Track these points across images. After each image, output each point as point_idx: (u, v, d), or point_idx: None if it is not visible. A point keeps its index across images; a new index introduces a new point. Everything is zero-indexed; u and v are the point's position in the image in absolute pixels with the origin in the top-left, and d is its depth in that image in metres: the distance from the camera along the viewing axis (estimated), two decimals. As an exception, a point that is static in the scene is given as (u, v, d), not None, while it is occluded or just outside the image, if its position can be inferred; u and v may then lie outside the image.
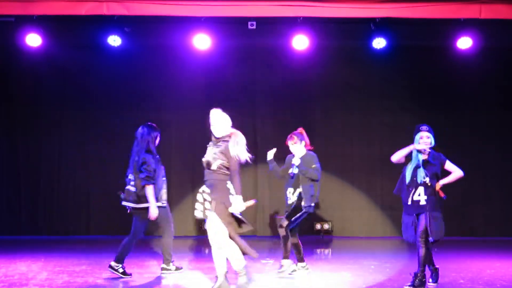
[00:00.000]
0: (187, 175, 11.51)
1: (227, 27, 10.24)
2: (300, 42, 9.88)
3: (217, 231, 6.16)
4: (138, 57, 11.24)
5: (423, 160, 6.74)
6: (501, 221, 11.26)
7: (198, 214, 6.31)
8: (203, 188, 6.28)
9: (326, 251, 10.29)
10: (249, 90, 11.52)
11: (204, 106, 11.39)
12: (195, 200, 11.99)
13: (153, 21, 9.93)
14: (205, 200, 6.26)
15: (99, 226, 11.33)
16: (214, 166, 6.17)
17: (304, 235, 11.40)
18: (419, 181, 6.70)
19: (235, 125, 12.39)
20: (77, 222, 11.44)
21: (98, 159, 11.37)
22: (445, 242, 10.15)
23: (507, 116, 11.45)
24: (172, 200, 11.56)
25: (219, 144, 6.29)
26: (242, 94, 11.49)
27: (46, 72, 11.25)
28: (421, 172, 6.73)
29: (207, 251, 10.21)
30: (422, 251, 6.50)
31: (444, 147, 11.15)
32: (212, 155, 6.23)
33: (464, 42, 9.90)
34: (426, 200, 6.65)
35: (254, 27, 10.10)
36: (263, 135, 11.44)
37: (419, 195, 6.72)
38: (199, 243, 10.81)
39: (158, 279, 7.36)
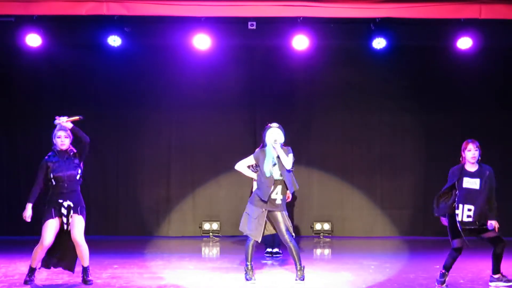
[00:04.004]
0: (187, 175, 11.51)
1: (227, 27, 10.23)
2: (300, 42, 9.87)
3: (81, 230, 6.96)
4: (138, 57, 11.23)
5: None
6: (501, 221, 11.19)
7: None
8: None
9: (326, 251, 10.30)
10: (249, 90, 11.52)
11: (204, 106, 11.56)
12: (195, 200, 11.98)
13: (153, 21, 9.92)
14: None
15: (98, 226, 11.32)
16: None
17: (304, 235, 11.43)
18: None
19: (234, 125, 12.41)
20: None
21: (97, 159, 11.35)
22: (446, 242, 10.14)
23: (508, 116, 11.43)
24: (172, 200, 11.62)
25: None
26: (242, 94, 11.49)
27: (46, 72, 11.24)
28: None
29: (207, 251, 10.21)
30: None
31: (444, 147, 11.26)
32: None
33: (464, 42, 9.89)
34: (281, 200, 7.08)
35: (254, 27, 10.09)
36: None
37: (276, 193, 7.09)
38: (199, 243, 10.80)
39: (158, 279, 7.36)
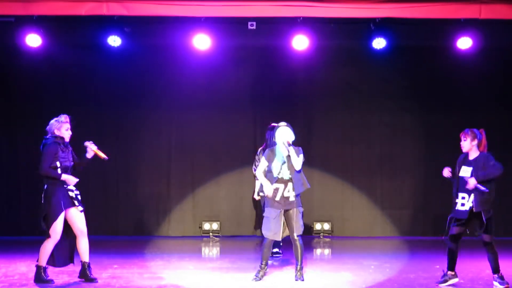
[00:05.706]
0: (187, 175, 11.51)
1: (227, 27, 10.23)
2: (300, 42, 9.86)
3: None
4: (138, 57, 11.22)
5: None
6: (501, 221, 11.25)
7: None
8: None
9: (326, 251, 10.30)
10: (248, 90, 11.52)
11: (204, 106, 11.56)
12: (195, 200, 11.98)
13: (153, 21, 9.92)
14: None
15: (98, 226, 11.29)
16: None
17: (304, 235, 11.40)
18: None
19: (234, 125, 12.40)
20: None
21: (97, 159, 11.33)
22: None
23: (507, 116, 11.44)
24: (172, 200, 11.61)
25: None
26: (242, 94, 11.49)
27: (46, 72, 11.23)
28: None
29: (207, 251, 10.21)
30: None
31: (444, 147, 11.26)
32: None
33: (464, 42, 9.89)
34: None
35: (254, 27, 10.10)
36: (263, 135, 11.42)
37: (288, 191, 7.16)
38: (199, 243, 10.80)
39: (158, 279, 7.36)
